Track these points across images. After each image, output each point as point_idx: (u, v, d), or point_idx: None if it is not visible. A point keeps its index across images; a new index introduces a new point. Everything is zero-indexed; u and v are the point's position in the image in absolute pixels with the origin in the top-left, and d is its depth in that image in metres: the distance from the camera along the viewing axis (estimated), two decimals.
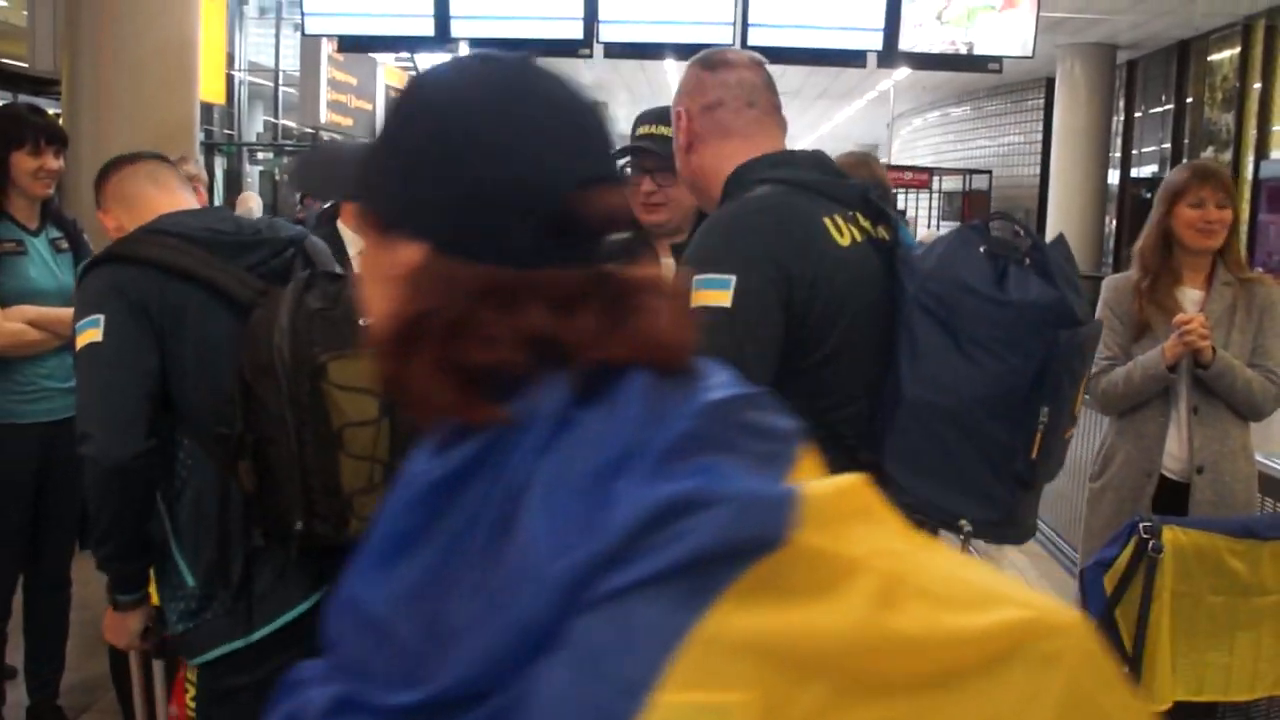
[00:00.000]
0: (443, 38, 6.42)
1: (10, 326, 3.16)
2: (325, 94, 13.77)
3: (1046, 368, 1.79)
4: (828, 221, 1.86)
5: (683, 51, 6.80)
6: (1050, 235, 2.22)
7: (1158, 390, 3.06)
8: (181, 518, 2.07)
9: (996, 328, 1.80)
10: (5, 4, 16.40)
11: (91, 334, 2.00)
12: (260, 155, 17.98)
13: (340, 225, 3.69)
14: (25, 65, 13.08)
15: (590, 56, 6.59)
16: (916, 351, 1.82)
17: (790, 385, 1.75)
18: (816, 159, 2.01)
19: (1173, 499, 3.05)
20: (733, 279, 1.74)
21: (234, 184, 15.99)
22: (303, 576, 2.05)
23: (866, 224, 1.93)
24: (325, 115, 13.93)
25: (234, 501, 2.01)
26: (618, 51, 6.56)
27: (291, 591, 2.06)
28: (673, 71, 23.19)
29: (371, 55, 14.70)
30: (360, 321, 1.90)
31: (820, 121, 27.82)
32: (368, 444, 1.91)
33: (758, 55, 2.10)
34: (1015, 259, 1.86)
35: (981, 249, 1.87)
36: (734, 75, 1.99)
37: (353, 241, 3.65)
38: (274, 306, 1.96)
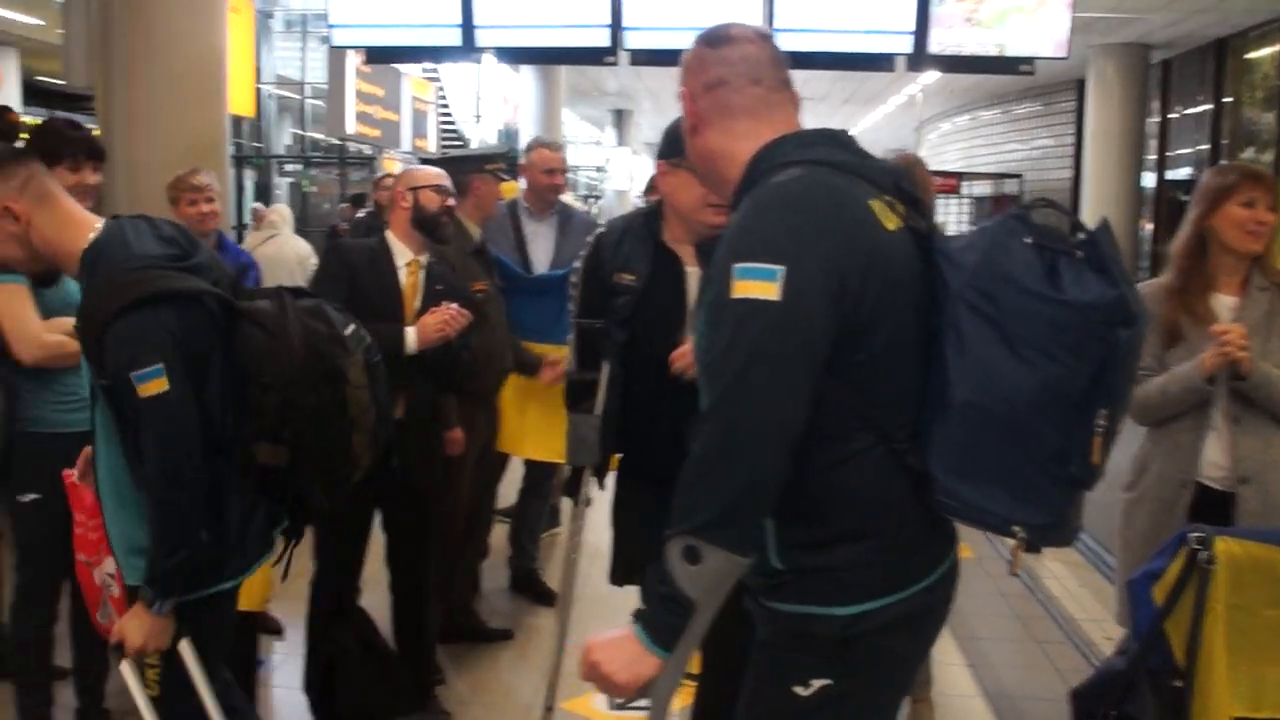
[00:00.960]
0: (469, 47, 6.39)
1: (51, 338, 3.20)
2: (352, 105, 13.82)
3: (1105, 369, 1.69)
4: (874, 204, 1.78)
5: None
6: None
7: (1196, 402, 2.97)
8: None
9: (1054, 329, 1.69)
10: (40, 23, 16.60)
11: (158, 384, 2.23)
12: (288, 167, 18.10)
13: (389, 235, 3.66)
14: (62, 82, 13.21)
15: (615, 64, 6.54)
16: (965, 352, 1.72)
17: (837, 383, 1.71)
18: (844, 138, 1.92)
19: (1216, 509, 2.95)
20: (781, 269, 1.64)
21: (263, 195, 16.09)
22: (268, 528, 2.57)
23: (902, 210, 1.84)
24: (352, 126, 13.98)
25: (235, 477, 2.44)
26: (643, 59, 6.48)
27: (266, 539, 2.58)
28: None
29: (397, 66, 14.75)
30: (345, 331, 2.48)
31: (846, 127, 27.60)
32: (369, 422, 2.50)
33: (765, 29, 2.00)
34: (1064, 250, 1.74)
35: (1027, 240, 1.75)
36: (737, 51, 1.91)
37: (400, 252, 3.62)
38: (279, 328, 2.38)
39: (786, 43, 6.41)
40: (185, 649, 2.42)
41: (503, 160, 4.66)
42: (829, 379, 1.69)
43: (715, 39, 1.93)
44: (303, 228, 12.36)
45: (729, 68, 1.90)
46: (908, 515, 1.78)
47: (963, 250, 1.79)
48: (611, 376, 2.98)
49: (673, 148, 2.75)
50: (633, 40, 6.32)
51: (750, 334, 1.64)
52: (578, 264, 3.14)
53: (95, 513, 2.59)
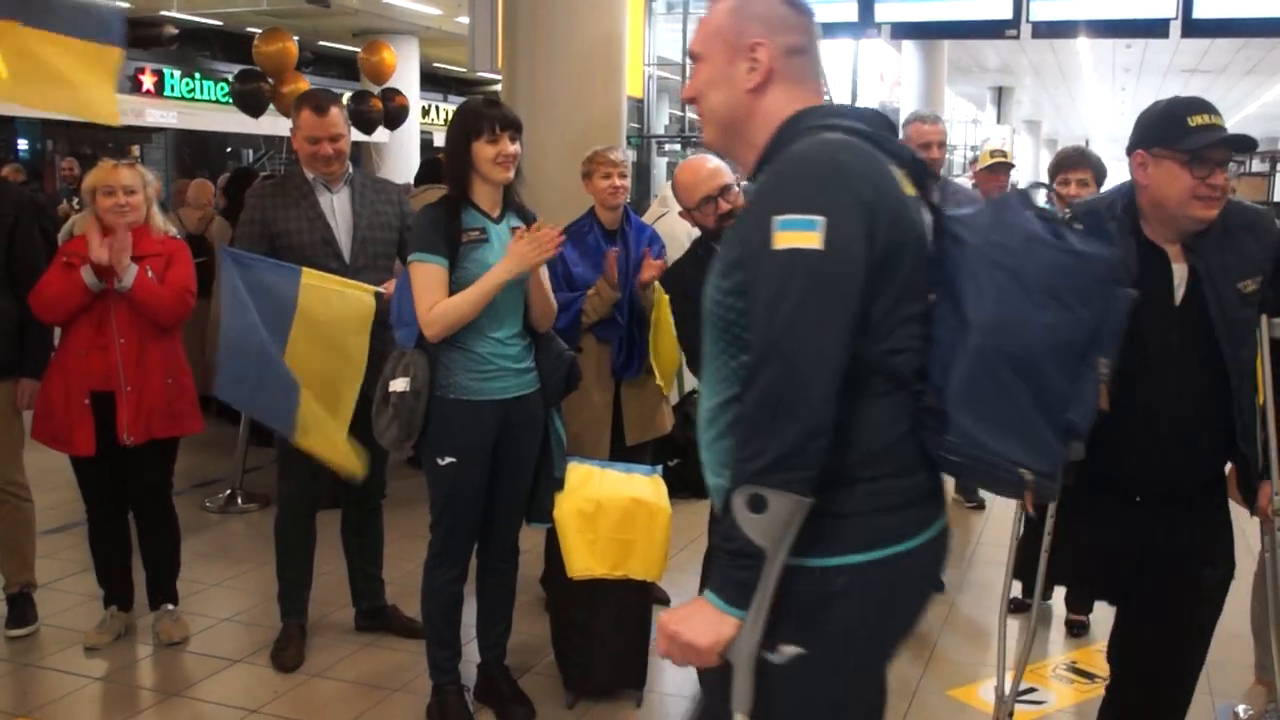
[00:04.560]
0: (865, 21, 6.34)
1: (433, 312, 3.34)
2: None
3: (1105, 321, 1.88)
4: (894, 170, 1.87)
5: (1116, 29, 6.34)
6: None
7: None
8: None
9: (1067, 276, 1.83)
10: (438, 12, 17.92)
11: None
12: (666, 147, 18.62)
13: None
14: (457, 68, 14.16)
15: (1016, 37, 6.28)
16: (983, 300, 1.81)
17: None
18: (869, 114, 1.97)
19: None
20: (821, 219, 1.72)
21: (642, 174, 16.66)
22: None
23: (914, 186, 1.93)
24: None
25: None
26: (1045, 31, 6.20)
27: None
28: (1086, 53, 21.90)
29: None
30: None
31: (1246, 100, 25.57)
32: None
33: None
34: (1064, 221, 1.89)
35: (1028, 211, 1.89)
36: (812, 21, 1.98)
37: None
38: None
39: (1207, 10, 6.00)
40: None
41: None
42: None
43: (800, 4, 1.98)
44: None
45: (808, 37, 1.96)
46: (903, 464, 1.83)
47: (974, 215, 1.92)
48: None
49: (1151, 135, 2.61)
50: (1037, 11, 6.05)
51: (799, 282, 1.71)
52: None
53: None
